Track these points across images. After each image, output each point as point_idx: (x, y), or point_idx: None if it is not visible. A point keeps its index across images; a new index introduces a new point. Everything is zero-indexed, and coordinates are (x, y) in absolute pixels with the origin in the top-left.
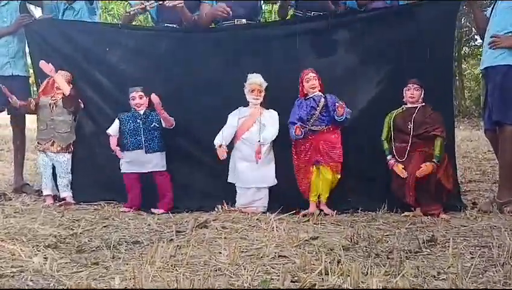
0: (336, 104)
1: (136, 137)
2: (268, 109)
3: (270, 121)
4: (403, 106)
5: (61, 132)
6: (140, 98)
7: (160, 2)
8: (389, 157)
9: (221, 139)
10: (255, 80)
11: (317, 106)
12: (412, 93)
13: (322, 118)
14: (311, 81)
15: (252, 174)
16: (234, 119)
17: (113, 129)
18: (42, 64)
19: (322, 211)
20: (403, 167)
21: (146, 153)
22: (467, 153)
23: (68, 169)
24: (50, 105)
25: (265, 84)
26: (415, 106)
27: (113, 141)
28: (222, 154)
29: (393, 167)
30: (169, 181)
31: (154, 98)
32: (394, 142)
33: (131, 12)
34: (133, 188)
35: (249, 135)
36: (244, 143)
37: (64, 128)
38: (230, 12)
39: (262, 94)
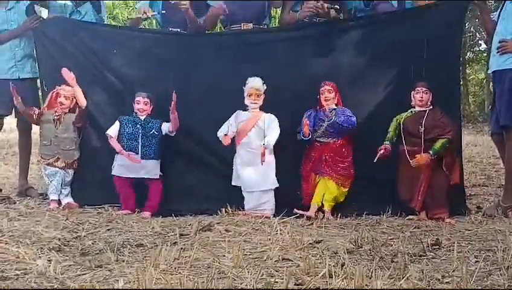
0: (305, 119)
1: (133, 141)
2: (268, 112)
3: (271, 124)
4: (411, 110)
5: (66, 149)
6: (145, 104)
7: (163, 11)
8: (387, 143)
9: (226, 130)
10: (253, 84)
11: (326, 119)
12: (422, 97)
13: (330, 131)
14: (325, 94)
15: (253, 177)
16: (231, 120)
17: (113, 130)
18: (64, 71)
19: (323, 215)
20: (413, 170)
21: (142, 158)
22: (472, 157)
23: (70, 181)
24: (54, 121)
25: (264, 88)
26: (424, 109)
27: (113, 142)
28: (227, 141)
29: (382, 152)
30: (160, 187)
31: (174, 97)
32: (406, 146)
33: (134, 18)
34: (125, 191)
35: (247, 140)
36: (243, 148)
37: (68, 145)
38: (226, 11)
39: (261, 98)
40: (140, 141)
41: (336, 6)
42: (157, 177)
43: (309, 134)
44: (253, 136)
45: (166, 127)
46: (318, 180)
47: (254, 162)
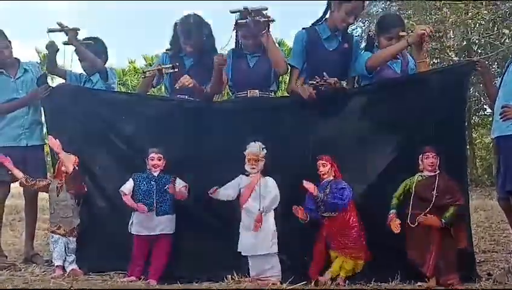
0: (294, 208)
1: (148, 199)
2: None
3: (267, 188)
4: (419, 174)
5: (64, 216)
6: (159, 160)
7: (176, 70)
8: (392, 211)
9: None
10: (251, 150)
11: (320, 196)
12: (432, 162)
13: (331, 204)
14: (320, 168)
15: (251, 242)
16: (234, 183)
17: (127, 188)
18: (50, 139)
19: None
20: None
21: (157, 215)
22: (480, 222)
23: (74, 249)
24: (57, 188)
25: (263, 152)
26: (433, 174)
27: (127, 199)
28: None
29: (390, 221)
30: (169, 246)
31: (171, 189)
32: (411, 209)
33: (147, 74)
34: (140, 252)
35: (247, 205)
36: (244, 212)
37: (67, 212)
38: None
39: (261, 163)
40: (155, 197)
41: (342, 82)
42: (173, 232)
43: (307, 216)
44: (251, 201)
45: (180, 184)
46: (333, 255)
47: (252, 226)
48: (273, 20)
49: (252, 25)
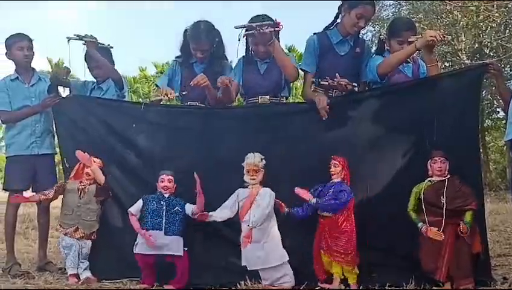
0: (278, 201)
1: (157, 218)
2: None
3: (261, 200)
4: (429, 179)
5: (87, 219)
6: (169, 182)
7: (184, 93)
8: (420, 225)
9: (214, 213)
10: (250, 161)
11: (326, 193)
12: (440, 167)
13: (331, 203)
14: (331, 168)
15: (259, 255)
16: (231, 201)
17: (135, 209)
18: (79, 154)
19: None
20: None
21: (165, 234)
22: (495, 226)
23: (88, 254)
24: (78, 190)
25: (262, 163)
26: (442, 178)
27: (133, 220)
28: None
29: (427, 233)
30: (187, 264)
31: (197, 178)
32: (427, 217)
33: (154, 100)
34: (146, 269)
35: (248, 217)
36: (245, 225)
37: (90, 216)
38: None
39: (260, 173)
40: (164, 217)
41: (354, 84)
42: (181, 253)
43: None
44: (253, 213)
45: (189, 209)
46: (324, 258)
47: (257, 239)
48: (279, 30)
49: (259, 36)
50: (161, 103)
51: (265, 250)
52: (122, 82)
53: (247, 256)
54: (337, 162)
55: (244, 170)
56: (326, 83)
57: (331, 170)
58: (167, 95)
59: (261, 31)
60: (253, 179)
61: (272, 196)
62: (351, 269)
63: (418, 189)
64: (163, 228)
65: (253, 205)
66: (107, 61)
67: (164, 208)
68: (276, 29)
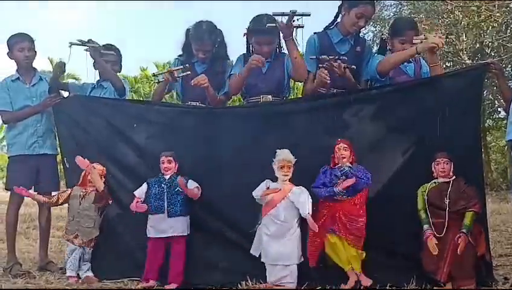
0: (341, 179)
1: (159, 201)
2: (296, 184)
3: (303, 195)
4: (434, 180)
5: (85, 226)
6: (169, 163)
7: (188, 72)
8: (425, 227)
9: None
10: (285, 157)
11: (341, 176)
12: (443, 168)
13: (364, 181)
14: (340, 152)
15: (278, 250)
16: (263, 186)
17: (139, 192)
18: (78, 159)
19: (360, 283)
20: (437, 242)
21: (168, 217)
22: (497, 226)
23: (89, 259)
24: (80, 196)
25: (294, 160)
26: (447, 180)
27: (135, 201)
28: (274, 190)
29: (427, 240)
30: (184, 250)
31: (181, 182)
32: (431, 218)
33: (160, 79)
34: (154, 256)
35: (276, 212)
36: (271, 219)
37: (88, 223)
38: (264, 62)
39: (291, 170)
40: (165, 199)
41: (352, 66)
42: (185, 234)
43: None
44: (281, 209)
45: (192, 185)
46: (332, 240)
47: (281, 234)
48: (302, 26)
49: (281, 29)
50: (166, 89)
51: (287, 247)
52: (123, 91)
53: (268, 250)
54: (346, 146)
55: (276, 166)
56: (327, 58)
57: (341, 154)
58: (171, 73)
59: (292, 23)
60: (287, 175)
61: (309, 197)
62: (361, 253)
63: (424, 189)
64: (166, 210)
65: (283, 202)
66: (110, 69)
67: (165, 190)
68: (301, 25)
